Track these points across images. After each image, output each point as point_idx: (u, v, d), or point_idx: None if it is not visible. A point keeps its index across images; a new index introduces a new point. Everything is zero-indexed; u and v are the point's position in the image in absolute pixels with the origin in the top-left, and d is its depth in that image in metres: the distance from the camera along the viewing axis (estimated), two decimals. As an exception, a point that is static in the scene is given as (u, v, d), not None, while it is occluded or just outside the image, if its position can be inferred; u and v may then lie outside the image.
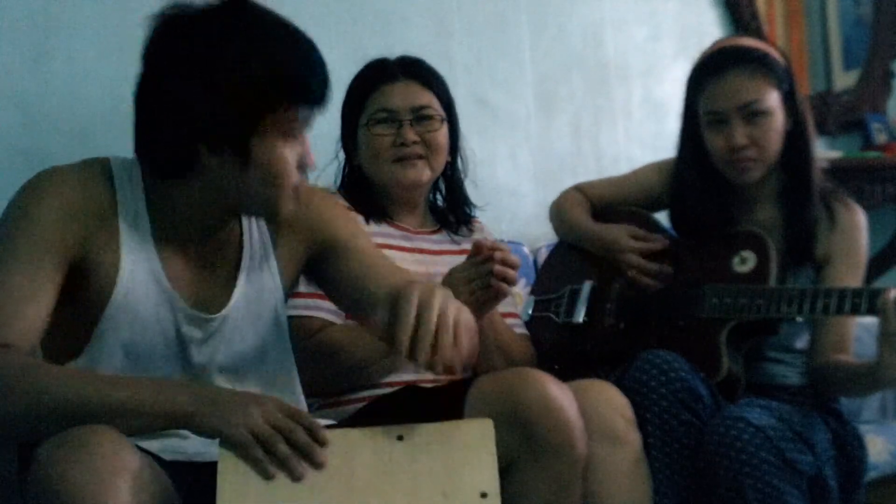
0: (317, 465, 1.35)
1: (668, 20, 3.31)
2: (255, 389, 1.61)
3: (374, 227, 2.06)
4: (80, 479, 1.24)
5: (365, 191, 2.11)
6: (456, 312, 1.41)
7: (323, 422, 1.66)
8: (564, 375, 1.64)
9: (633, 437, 1.82)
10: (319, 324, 1.94)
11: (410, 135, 2.05)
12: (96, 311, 1.51)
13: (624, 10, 3.22)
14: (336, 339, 1.93)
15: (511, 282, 1.90)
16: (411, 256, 2.06)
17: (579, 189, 2.37)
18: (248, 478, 1.33)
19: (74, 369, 1.51)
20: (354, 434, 1.40)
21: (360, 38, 2.65)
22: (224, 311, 1.59)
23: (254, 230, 1.64)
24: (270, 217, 1.59)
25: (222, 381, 1.60)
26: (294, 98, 1.48)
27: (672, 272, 2.17)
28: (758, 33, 3.34)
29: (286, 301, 1.70)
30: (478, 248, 1.89)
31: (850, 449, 2.06)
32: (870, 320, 1.96)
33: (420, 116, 2.07)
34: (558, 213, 2.36)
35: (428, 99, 2.08)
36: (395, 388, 1.92)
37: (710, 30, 3.35)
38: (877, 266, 3.25)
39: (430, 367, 1.38)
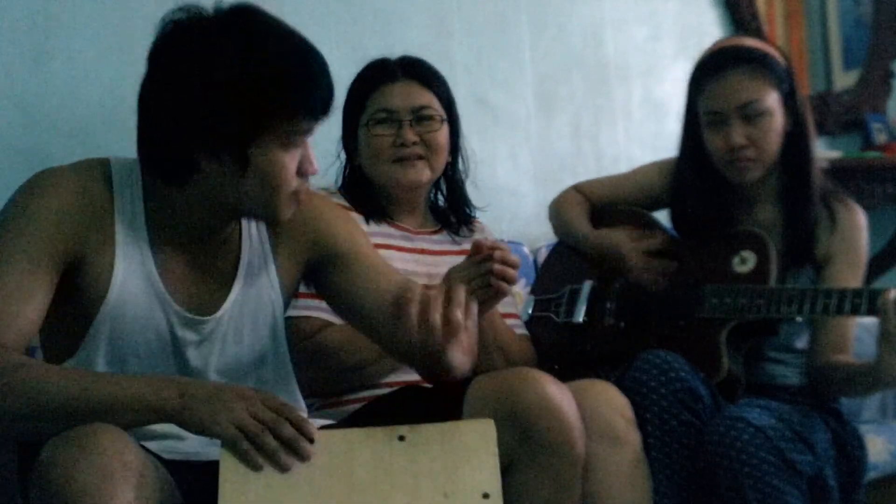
0: (303, 457, 1.35)
1: (668, 20, 3.31)
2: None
3: (374, 228, 2.06)
4: (85, 479, 1.24)
5: (365, 191, 2.11)
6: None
7: (323, 422, 1.66)
8: (564, 375, 1.64)
9: (633, 437, 1.82)
10: (319, 324, 1.94)
11: (410, 135, 2.05)
12: (90, 312, 1.51)
13: (624, 10, 3.22)
14: (336, 340, 1.93)
15: (511, 281, 1.90)
16: (411, 257, 2.06)
17: (578, 189, 2.36)
18: (249, 478, 1.33)
19: (63, 367, 1.52)
20: (355, 434, 1.40)
21: (360, 38, 2.65)
22: (218, 314, 1.59)
23: (253, 235, 1.64)
24: (269, 221, 1.59)
25: None
26: (296, 108, 1.48)
27: (675, 266, 2.17)
28: (758, 33, 3.34)
29: (285, 306, 1.69)
30: (477, 248, 1.89)
31: (850, 449, 2.06)
32: (870, 320, 1.96)
33: (420, 117, 2.06)
34: (558, 214, 2.36)
35: (428, 99, 2.08)
36: (395, 388, 1.91)
37: (710, 30, 3.35)
38: (877, 266, 3.24)
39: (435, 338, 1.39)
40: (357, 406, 1.89)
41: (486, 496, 1.36)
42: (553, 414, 1.51)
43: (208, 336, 1.59)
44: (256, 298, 1.63)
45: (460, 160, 2.16)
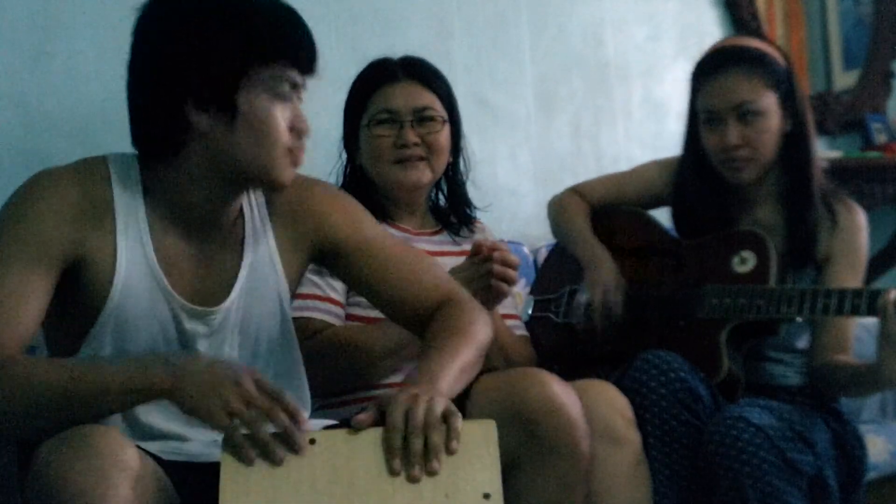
0: (296, 449, 1.34)
1: (668, 20, 3.31)
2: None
3: (374, 227, 2.06)
4: (81, 479, 1.24)
5: (366, 191, 2.10)
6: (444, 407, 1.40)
7: (324, 422, 1.66)
8: (564, 375, 1.64)
9: (633, 437, 1.82)
10: (318, 325, 1.94)
11: (411, 136, 2.04)
12: (94, 309, 1.51)
13: (624, 10, 3.22)
14: (335, 341, 1.92)
15: (511, 282, 1.90)
16: (412, 257, 2.05)
17: (577, 191, 2.35)
18: (250, 479, 1.33)
19: (52, 360, 1.52)
20: (356, 435, 1.40)
21: (360, 38, 2.65)
22: (225, 304, 1.59)
23: (257, 226, 1.64)
24: (269, 184, 1.56)
25: None
26: (274, 53, 1.50)
27: (625, 322, 2.15)
28: (758, 33, 3.34)
29: (291, 295, 1.69)
30: (477, 249, 1.89)
31: (850, 449, 2.06)
32: (870, 320, 1.96)
33: (421, 118, 2.06)
34: (555, 217, 2.35)
35: (430, 100, 2.08)
36: (396, 389, 1.91)
37: (710, 30, 3.35)
38: (877, 266, 3.25)
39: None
40: (358, 406, 1.89)
41: (486, 496, 1.36)
42: (558, 414, 1.51)
43: (219, 328, 1.59)
44: (263, 288, 1.63)
45: (461, 161, 2.16)
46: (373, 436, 1.39)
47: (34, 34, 2.22)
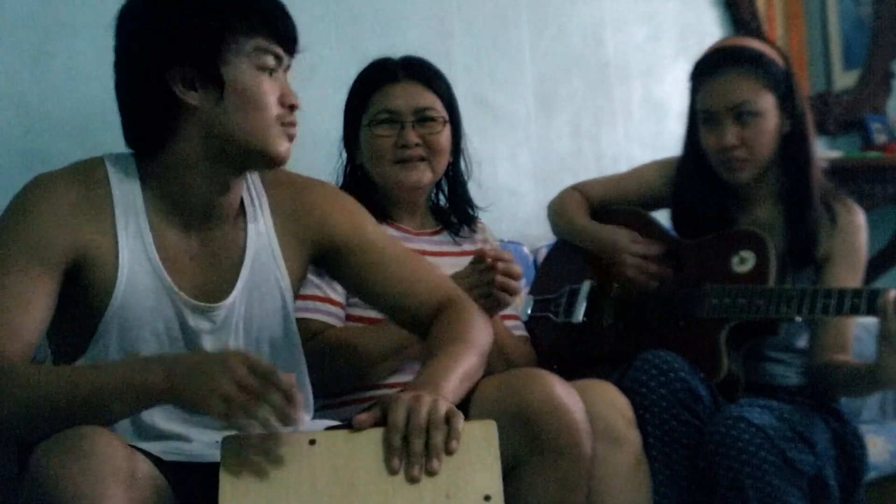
0: (290, 423, 1.34)
1: (668, 20, 3.31)
2: None
3: (374, 227, 2.06)
4: (75, 481, 1.24)
5: (366, 191, 2.10)
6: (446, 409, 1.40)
7: (324, 423, 1.67)
8: (564, 375, 1.64)
9: (634, 437, 1.82)
10: (318, 326, 1.94)
11: (412, 136, 2.04)
12: (98, 309, 1.51)
13: (624, 10, 3.22)
14: (336, 342, 1.93)
15: (513, 292, 1.90)
16: (412, 257, 2.05)
17: (577, 189, 2.36)
18: (250, 479, 1.33)
19: (53, 367, 1.53)
20: (356, 436, 1.40)
21: (360, 38, 2.65)
22: (228, 300, 1.59)
23: (259, 222, 1.64)
24: (265, 156, 1.56)
25: None
26: (253, 23, 1.53)
27: (672, 274, 2.16)
28: (758, 33, 3.34)
29: (294, 292, 1.70)
30: (481, 257, 1.89)
31: (850, 449, 2.06)
32: (870, 320, 1.96)
33: (422, 118, 2.06)
34: (557, 212, 2.35)
35: (431, 100, 2.08)
36: (397, 389, 1.91)
37: (710, 30, 3.35)
38: (877, 266, 3.25)
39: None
40: (359, 407, 1.89)
41: (487, 498, 1.36)
42: (560, 414, 1.51)
43: (223, 324, 1.59)
44: (265, 285, 1.63)
45: (462, 161, 2.16)
46: (373, 436, 1.39)
47: (34, 34, 2.22)
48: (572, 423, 1.52)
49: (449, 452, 1.36)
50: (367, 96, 2.09)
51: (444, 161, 2.10)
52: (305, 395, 1.71)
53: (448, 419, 1.38)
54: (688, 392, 1.90)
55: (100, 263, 1.50)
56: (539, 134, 3.03)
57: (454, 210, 2.17)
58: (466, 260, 1.95)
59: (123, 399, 1.35)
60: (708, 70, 2.12)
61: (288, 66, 1.59)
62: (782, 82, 2.10)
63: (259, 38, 1.53)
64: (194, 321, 1.56)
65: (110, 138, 1.65)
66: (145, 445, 1.44)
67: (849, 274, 2.11)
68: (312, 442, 1.38)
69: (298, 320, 1.86)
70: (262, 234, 1.64)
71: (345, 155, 2.16)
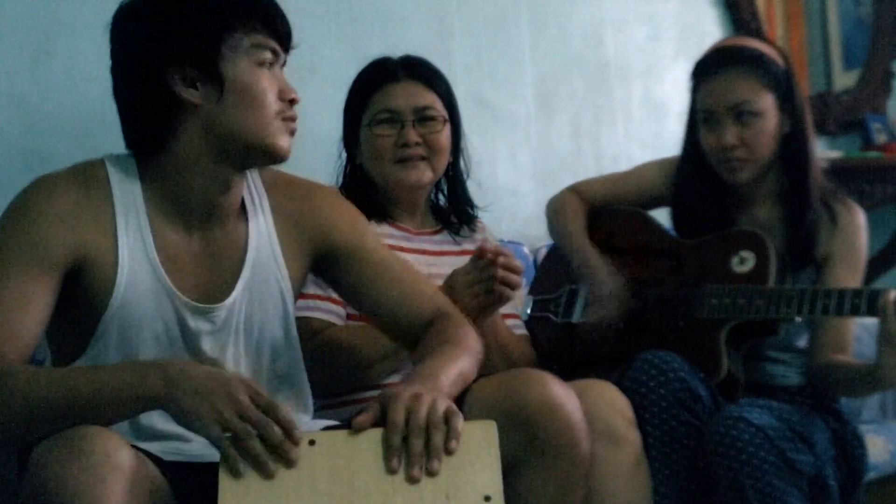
0: (289, 463, 1.33)
1: (668, 20, 3.31)
2: (268, 386, 1.61)
3: (374, 228, 2.06)
4: (76, 480, 1.24)
5: (366, 191, 2.10)
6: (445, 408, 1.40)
7: (325, 422, 1.66)
8: (564, 375, 1.64)
9: (634, 437, 1.82)
10: (320, 325, 1.94)
11: (413, 136, 2.05)
12: (98, 310, 1.51)
13: (624, 10, 3.22)
14: (337, 341, 1.93)
15: (514, 287, 1.90)
16: (412, 257, 2.05)
17: (576, 191, 2.35)
18: (249, 480, 1.33)
19: (51, 369, 1.53)
20: (356, 436, 1.40)
21: (360, 38, 2.65)
22: (228, 301, 1.59)
23: (260, 224, 1.64)
24: (266, 151, 1.56)
25: None
26: (250, 19, 1.54)
27: (621, 326, 2.15)
28: (758, 33, 3.34)
29: (294, 296, 1.70)
30: (481, 253, 1.89)
31: (850, 449, 2.06)
32: (870, 320, 1.96)
33: (423, 117, 2.06)
34: (552, 216, 2.35)
35: (431, 100, 2.08)
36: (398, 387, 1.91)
37: (710, 30, 3.35)
38: (877, 266, 3.25)
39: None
40: (359, 407, 1.89)
41: (487, 499, 1.36)
42: (558, 415, 1.51)
43: (222, 326, 1.59)
44: (266, 286, 1.63)
45: (462, 160, 2.16)
46: (373, 436, 1.39)
47: (34, 34, 2.22)
48: (570, 424, 1.52)
49: (449, 452, 1.36)
50: (367, 96, 2.09)
51: (444, 160, 2.10)
52: (304, 395, 1.71)
53: (447, 418, 1.38)
54: (687, 392, 1.90)
55: (100, 264, 1.50)
56: (539, 134, 3.03)
57: (454, 210, 2.17)
58: (466, 260, 1.95)
59: (121, 403, 1.35)
60: (708, 70, 2.12)
61: (284, 62, 1.60)
62: (782, 82, 2.10)
63: (256, 34, 1.54)
64: (194, 322, 1.56)
65: (110, 138, 1.65)
66: (144, 445, 1.43)
67: (849, 274, 2.11)
68: (312, 442, 1.38)
69: (299, 319, 1.87)
70: (262, 233, 1.64)
71: (345, 155, 2.16)
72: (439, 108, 2.08)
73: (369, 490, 1.35)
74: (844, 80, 3.69)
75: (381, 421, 1.40)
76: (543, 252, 2.60)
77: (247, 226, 1.63)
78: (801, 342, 2.15)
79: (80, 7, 2.25)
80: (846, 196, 2.19)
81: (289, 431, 1.34)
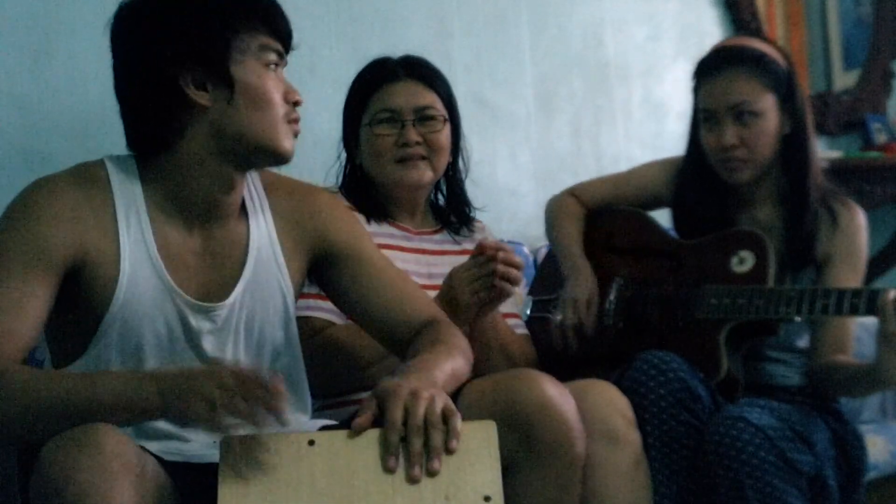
0: (277, 410, 1.33)
1: (668, 20, 3.31)
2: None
3: (374, 227, 2.06)
4: (84, 478, 1.25)
5: (366, 190, 2.10)
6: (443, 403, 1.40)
7: (324, 423, 1.67)
8: (564, 375, 1.64)
9: (634, 438, 1.82)
10: (320, 324, 1.94)
11: (413, 135, 2.04)
12: (99, 310, 1.51)
13: (624, 10, 3.22)
14: (337, 340, 1.93)
15: (515, 282, 1.90)
16: (412, 257, 2.06)
17: (575, 194, 2.34)
18: (249, 479, 1.33)
19: (50, 371, 1.53)
20: (356, 436, 1.40)
21: (360, 38, 2.65)
22: (229, 300, 1.59)
23: (261, 224, 1.65)
24: (272, 153, 1.58)
25: None
26: (256, 21, 1.55)
27: (620, 331, 2.16)
28: (758, 33, 3.34)
29: (295, 296, 1.70)
30: (481, 248, 1.89)
31: (850, 449, 2.06)
32: (870, 320, 1.96)
33: (423, 117, 2.06)
34: (549, 219, 2.34)
35: (431, 99, 2.08)
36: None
37: (710, 30, 3.35)
38: (877, 266, 3.25)
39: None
40: (358, 407, 1.89)
41: (487, 499, 1.36)
42: (552, 415, 1.51)
43: (224, 325, 1.59)
44: (266, 286, 1.63)
45: (461, 160, 2.16)
46: (372, 436, 1.39)
47: (34, 34, 2.22)
48: (564, 424, 1.52)
49: (449, 452, 1.37)
50: (367, 96, 2.09)
51: (444, 160, 2.10)
52: (303, 395, 1.71)
53: (445, 418, 1.38)
54: (687, 392, 1.90)
55: (101, 264, 1.51)
56: (539, 134, 3.03)
57: (453, 209, 2.17)
58: (466, 259, 1.95)
59: (117, 413, 1.35)
60: (709, 70, 2.12)
61: (285, 64, 1.61)
62: (783, 83, 2.10)
63: (262, 35, 1.55)
64: (196, 321, 1.57)
65: (110, 138, 1.65)
66: (144, 445, 1.44)
67: (849, 274, 2.11)
68: (311, 442, 1.38)
69: (300, 318, 1.87)
70: (263, 233, 1.64)
71: (345, 155, 2.16)
72: (439, 108, 2.08)
73: (369, 490, 1.35)
74: (844, 80, 3.69)
75: (380, 418, 1.40)
76: (543, 252, 2.60)
77: (247, 226, 1.63)
78: (801, 342, 2.15)
79: (80, 7, 2.25)
80: (846, 196, 2.19)
81: (269, 388, 1.33)
